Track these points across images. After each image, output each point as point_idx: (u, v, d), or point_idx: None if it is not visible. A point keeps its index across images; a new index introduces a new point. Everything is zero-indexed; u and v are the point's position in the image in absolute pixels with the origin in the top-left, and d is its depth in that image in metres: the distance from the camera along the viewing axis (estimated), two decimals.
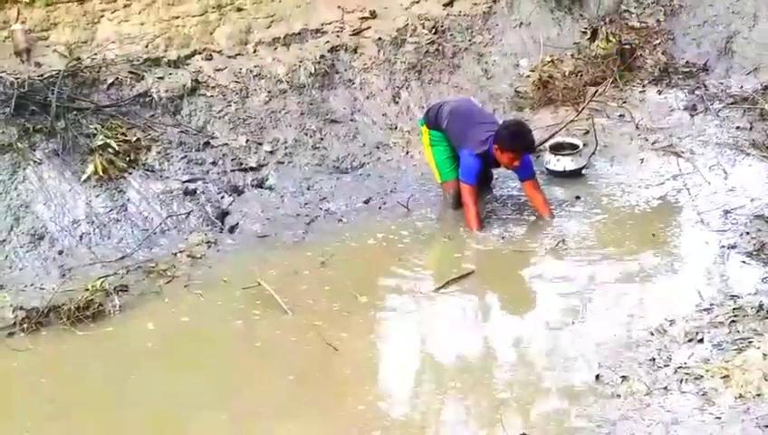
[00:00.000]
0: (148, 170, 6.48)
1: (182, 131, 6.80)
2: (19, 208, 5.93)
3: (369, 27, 7.90)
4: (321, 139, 7.21)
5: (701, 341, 4.73)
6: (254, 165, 6.87)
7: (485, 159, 6.36)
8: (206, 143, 6.84)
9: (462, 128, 6.43)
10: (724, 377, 4.38)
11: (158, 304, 5.52)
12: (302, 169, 6.98)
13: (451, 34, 8.14)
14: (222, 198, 6.58)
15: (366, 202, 6.76)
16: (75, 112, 6.45)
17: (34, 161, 6.14)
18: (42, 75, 6.48)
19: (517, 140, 6.21)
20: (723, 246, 5.84)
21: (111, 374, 4.90)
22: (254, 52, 7.45)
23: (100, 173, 6.23)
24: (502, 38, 8.32)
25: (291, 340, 5.13)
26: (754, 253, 5.68)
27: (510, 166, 6.33)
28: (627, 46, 8.14)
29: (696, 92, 7.79)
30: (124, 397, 4.72)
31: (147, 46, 7.02)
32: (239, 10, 7.48)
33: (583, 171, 7.05)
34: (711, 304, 5.09)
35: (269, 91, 7.28)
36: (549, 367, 4.79)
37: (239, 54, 7.36)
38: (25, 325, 5.21)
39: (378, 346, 5.24)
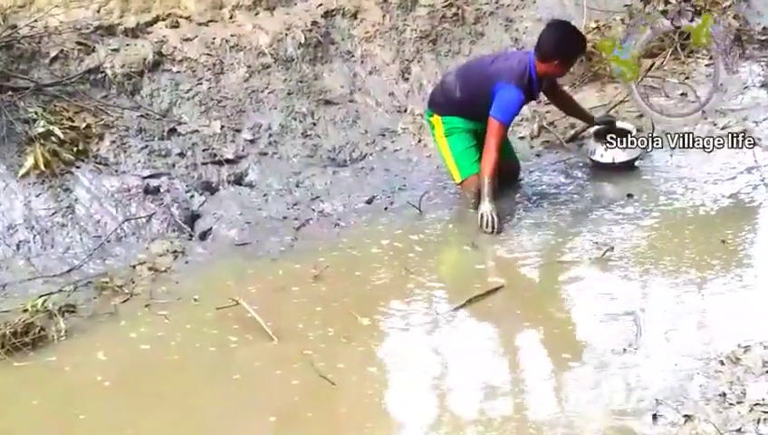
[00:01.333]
0: (100, 164, 6.49)
1: (142, 116, 6.83)
2: None
3: None
4: (314, 124, 7.24)
5: None
6: (230, 157, 6.90)
7: (529, 91, 6.37)
8: (172, 130, 6.87)
9: (480, 74, 6.46)
10: None
11: (113, 328, 5.51)
12: (290, 162, 7.01)
13: None
14: (191, 197, 6.60)
15: (368, 202, 6.79)
16: (10, 93, 6.46)
17: None
18: None
19: (569, 38, 6.31)
20: None
21: (55, 414, 4.88)
22: (231, 18, 7.48)
23: (42, 167, 6.24)
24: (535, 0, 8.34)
25: (275, 373, 5.11)
26: None
27: (563, 75, 6.58)
28: (690, 10, 8.12)
29: None
30: None
31: (98, 11, 7.06)
32: None
33: (636, 163, 7.04)
34: None
35: (249, 66, 7.31)
36: (595, 404, 4.77)
37: (212, 21, 7.39)
38: None
39: (382, 379, 5.20)
